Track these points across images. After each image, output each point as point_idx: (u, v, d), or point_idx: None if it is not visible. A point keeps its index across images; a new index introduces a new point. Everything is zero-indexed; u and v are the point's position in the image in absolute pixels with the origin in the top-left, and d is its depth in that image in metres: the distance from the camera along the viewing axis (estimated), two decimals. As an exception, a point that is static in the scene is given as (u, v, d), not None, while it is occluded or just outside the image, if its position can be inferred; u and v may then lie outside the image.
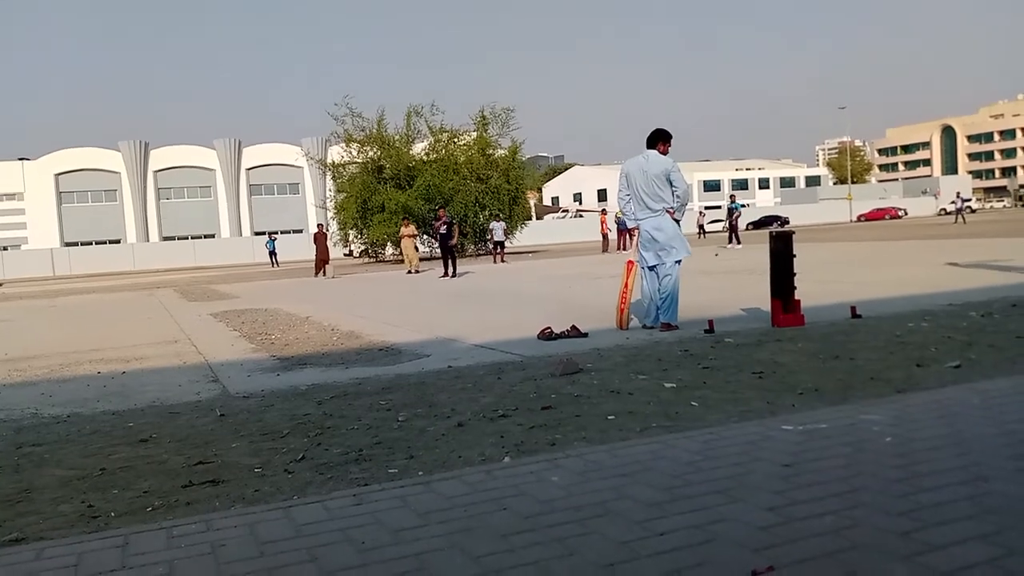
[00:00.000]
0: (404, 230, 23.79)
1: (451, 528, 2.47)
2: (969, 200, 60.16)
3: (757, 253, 17.78)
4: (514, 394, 4.52)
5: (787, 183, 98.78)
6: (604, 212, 35.09)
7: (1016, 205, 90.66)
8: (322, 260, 23.67)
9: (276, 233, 48.70)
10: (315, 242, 24.28)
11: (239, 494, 3.04)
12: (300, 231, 64.70)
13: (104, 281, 33.28)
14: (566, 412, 4.01)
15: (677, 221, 6.94)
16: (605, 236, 32.17)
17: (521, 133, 62.28)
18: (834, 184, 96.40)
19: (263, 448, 3.70)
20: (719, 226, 61.70)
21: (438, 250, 20.67)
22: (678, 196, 6.85)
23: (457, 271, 19.13)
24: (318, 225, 25.88)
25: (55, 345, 8.87)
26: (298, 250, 48.60)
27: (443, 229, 20.14)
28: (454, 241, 20.13)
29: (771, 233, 6.88)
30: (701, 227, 44.32)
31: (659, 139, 6.92)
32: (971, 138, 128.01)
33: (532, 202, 50.48)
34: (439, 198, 33.82)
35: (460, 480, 2.97)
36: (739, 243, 26.03)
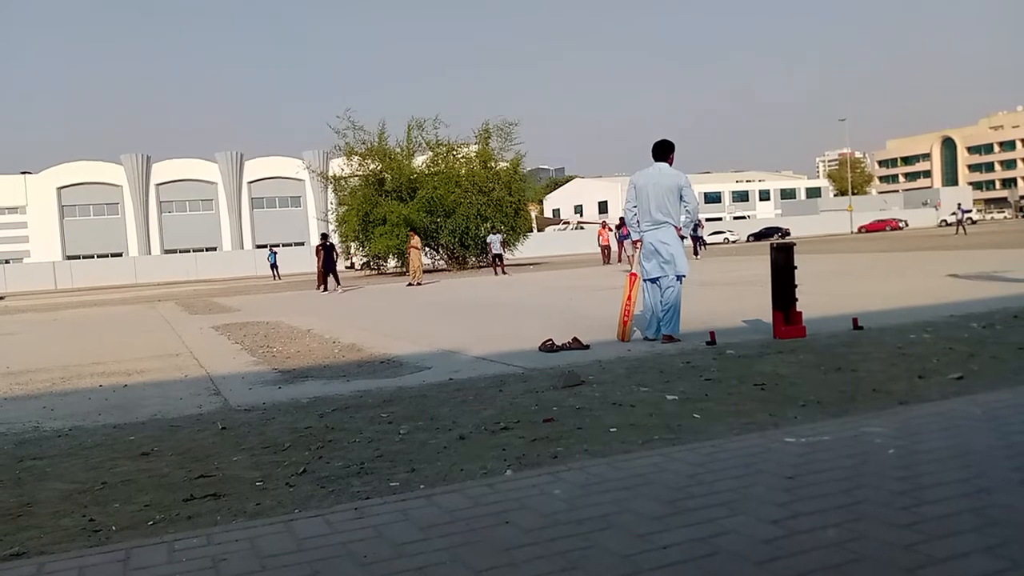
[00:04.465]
0: (412, 241, 24.19)
1: (453, 542, 2.47)
2: (970, 211, 60.25)
3: (758, 264, 17.78)
4: (516, 407, 4.52)
5: (788, 195, 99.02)
6: (604, 224, 34.99)
7: (1017, 216, 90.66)
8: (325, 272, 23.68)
9: (278, 246, 48.79)
10: (317, 254, 24.30)
11: (240, 508, 3.03)
12: (302, 244, 64.83)
13: (106, 294, 33.32)
14: (568, 424, 4.00)
15: (683, 237, 6.95)
16: (605, 248, 32.06)
17: (522, 146, 62.42)
18: (835, 196, 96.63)
19: (264, 461, 3.70)
20: (719, 238, 61.94)
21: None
22: (688, 212, 6.83)
23: (328, 287, 21.89)
24: (322, 236, 25.86)
25: (57, 358, 8.88)
26: (300, 263, 48.70)
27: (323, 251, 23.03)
28: (336, 261, 23.21)
29: (772, 245, 6.89)
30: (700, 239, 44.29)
31: (669, 151, 6.92)
32: (971, 149, 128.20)
33: (533, 214, 50.58)
34: (441, 210, 33.90)
35: (462, 493, 2.97)
36: (696, 256, 28.95)
